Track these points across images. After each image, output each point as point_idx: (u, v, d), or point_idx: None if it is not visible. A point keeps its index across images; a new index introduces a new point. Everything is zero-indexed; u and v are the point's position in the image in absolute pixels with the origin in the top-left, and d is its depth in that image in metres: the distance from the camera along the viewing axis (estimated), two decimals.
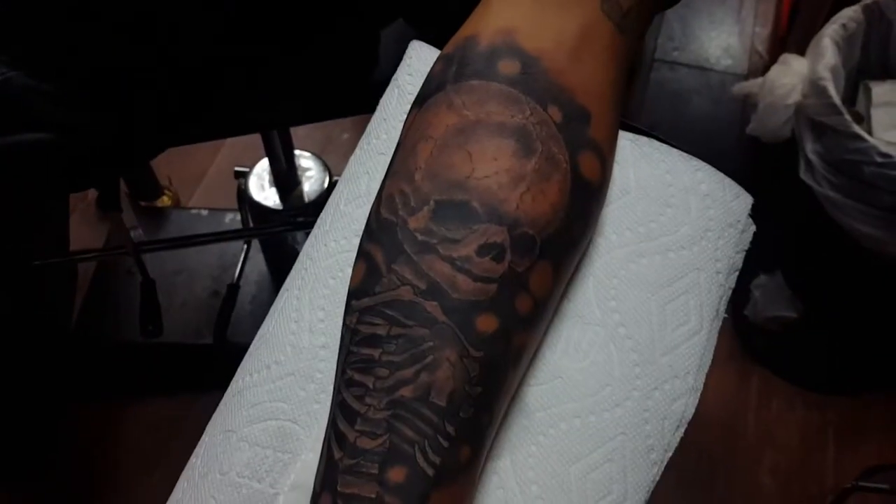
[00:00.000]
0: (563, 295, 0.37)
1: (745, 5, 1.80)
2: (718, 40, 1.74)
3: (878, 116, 1.05)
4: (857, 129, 0.90)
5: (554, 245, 0.32)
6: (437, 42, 0.41)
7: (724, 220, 0.38)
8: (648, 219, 0.38)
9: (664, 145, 0.39)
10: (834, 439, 1.21)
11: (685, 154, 0.39)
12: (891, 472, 0.58)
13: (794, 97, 0.98)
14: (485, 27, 0.34)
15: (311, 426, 0.36)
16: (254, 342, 0.40)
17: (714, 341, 0.37)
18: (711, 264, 0.38)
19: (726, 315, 0.39)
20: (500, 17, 0.34)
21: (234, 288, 1.15)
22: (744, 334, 1.28)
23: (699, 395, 0.36)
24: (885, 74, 1.10)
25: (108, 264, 1.25)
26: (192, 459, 0.39)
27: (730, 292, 0.39)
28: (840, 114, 0.92)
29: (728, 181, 0.39)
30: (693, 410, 0.36)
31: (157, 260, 1.17)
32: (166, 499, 1.21)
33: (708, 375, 0.36)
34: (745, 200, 0.39)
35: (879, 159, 0.88)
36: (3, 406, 1.06)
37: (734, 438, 1.22)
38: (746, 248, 0.39)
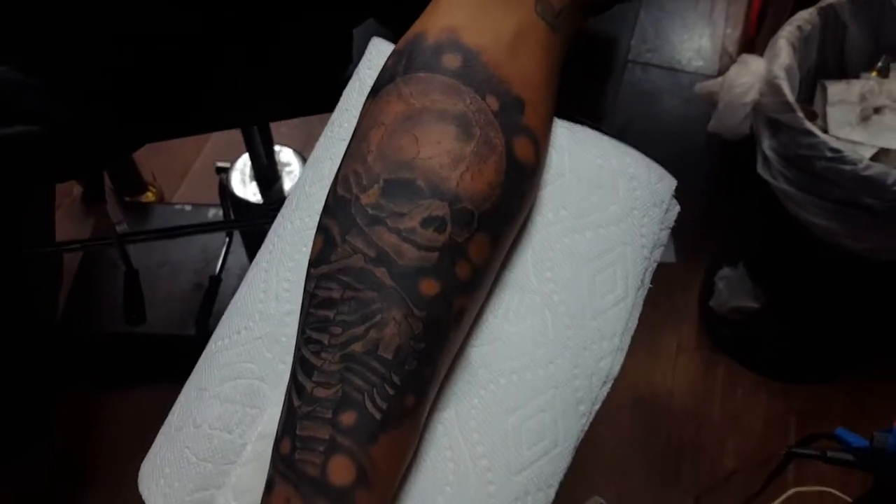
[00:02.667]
0: (505, 266, 0.41)
1: (717, 8, 1.85)
2: (690, 42, 1.79)
3: (833, 114, 1.10)
4: (809, 125, 0.95)
5: (491, 219, 0.36)
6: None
7: (649, 199, 0.43)
8: (581, 198, 0.42)
9: (596, 132, 0.43)
10: (796, 425, 1.26)
11: (614, 140, 0.43)
12: (822, 440, 0.62)
13: (752, 96, 1.03)
14: (432, 25, 0.38)
15: (276, 384, 0.40)
16: (226, 311, 0.44)
17: (639, 308, 0.42)
18: (637, 239, 0.42)
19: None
20: (446, 16, 0.38)
21: (216, 280, 1.19)
22: (710, 325, 1.33)
23: (624, 354, 0.41)
24: (841, 74, 1.15)
25: (92, 258, 1.28)
26: (169, 416, 0.42)
27: (654, 265, 0.43)
28: (793, 111, 0.96)
29: (653, 165, 0.43)
30: (619, 369, 0.40)
31: (142, 254, 1.21)
32: None
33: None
34: (668, 182, 0.43)
35: (830, 154, 0.93)
36: None
37: (701, 424, 1.26)
38: (671, 225, 0.44)
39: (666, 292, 1.37)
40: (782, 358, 1.29)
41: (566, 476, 0.40)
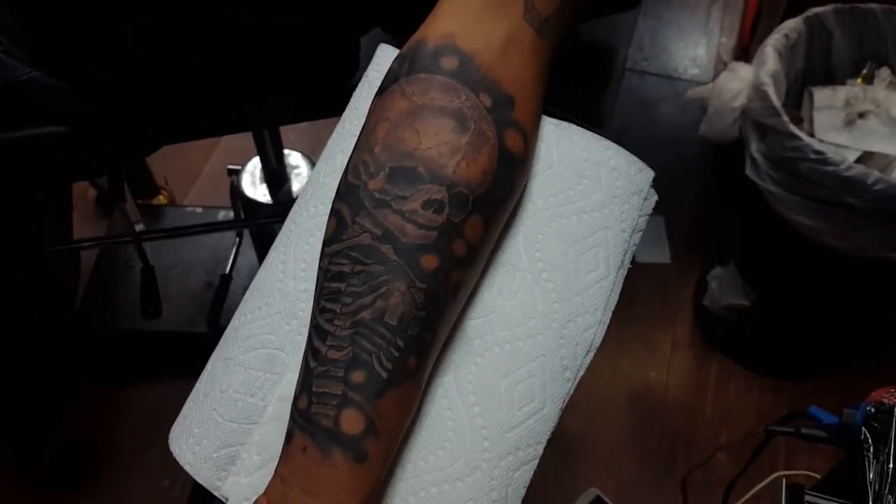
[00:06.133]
0: (499, 247, 0.46)
1: (712, 18, 1.90)
2: (686, 51, 1.84)
3: (819, 119, 1.14)
4: (794, 129, 1.00)
5: (484, 202, 0.41)
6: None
7: (629, 189, 0.47)
8: (567, 187, 0.47)
9: (581, 128, 0.48)
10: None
11: (598, 136, 0.48)
12: (798, 419, 0.67)
13: (740, 101, 1.08)
14: (431, 32, 0.43)
15: (294, 353, 0.44)
16: (248, 291, 0.48)
17: (619, 286, 0.46)
18: (617, 224, 0.47)
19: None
20: (444, 24, 0.43)
21: (226, 278, 1.23)
22: (703, 323, 1.37)
23: (605, 327, 0.45)
24: (827, 80, 1.20)
25: (107, 257, 1.33)
26: (197, 384, 0.47)
27: (634, 248, 0.47)
28: (779, 115, 1.01)
29: (632, 157, 0.48)
30: (600, 340, 0.45)
31: (155, 254, 1.25)
32: (162, 476, 1.31)
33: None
34: (646, 174, 0.48)
35: (813, 156, 0.98)
36: (9, 387, 1.14)
37: (694, 418, 1.31)
38: (649, 212, 0.48)
39: (661, 292, 1.41)
40: (773, 354, 1.33)
41: (558, 447, 0.44)
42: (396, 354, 0.39)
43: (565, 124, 0.48)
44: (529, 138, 0.44)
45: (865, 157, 1.10)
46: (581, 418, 1.29)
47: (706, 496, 1.00)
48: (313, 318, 0.41)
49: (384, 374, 0.38)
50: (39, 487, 1.23)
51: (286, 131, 1.12)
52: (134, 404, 1.30)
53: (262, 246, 1.29)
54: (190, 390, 0.48)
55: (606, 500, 1.19)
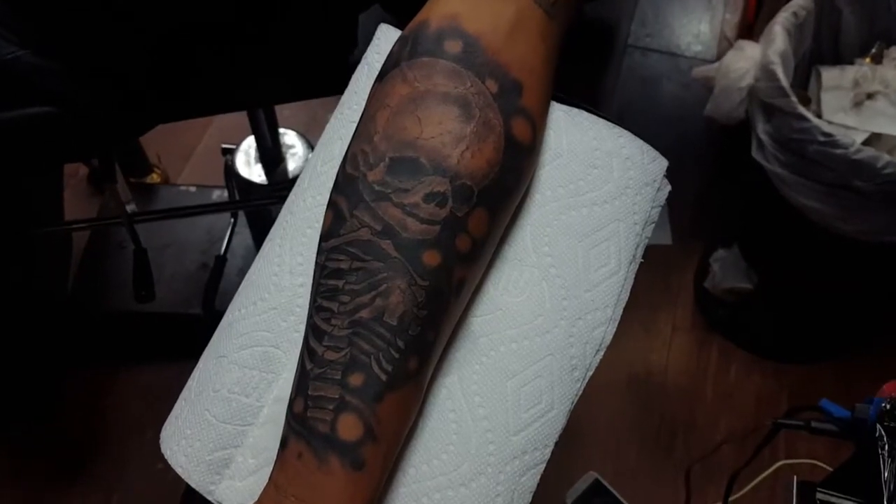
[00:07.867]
0: (505, 241, 0.43)
1: None
2: (689, 27, 1.80)
3: (827, 100, 1.12)
4: (803, 110, 0.97)
5: (489, 194, 0.39)
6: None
7: (642, 179, 0.45)
8: (577, 178, 0.44)
9: (592, 115, 0.45)
10: (787, 404, 1.29)
11: (609, 123, 0.45)
12: (807, 412, 0.65)
13: (747, 80, 1.05)
14: (435, 13, 0.40)
15: (290, 351, 0.42)
16: (242, 284, 0.46)
17: (631, 281, 0.44)
18: (630, 216, 0.44)
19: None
20: (447, 4, 0.40)
21: (221, 260, 1.21)
22: (704, 306, 1.35)
23: (616, 324, 0.43)
24: (835, 60, 1.17)
25: (99, 238, 1.30)
26: (189, 382, 0.45)
27: (646, 241, 0.45)
28: (787, 96, 0.99)
29: (646, 146, 0.45)
30: (611, 338, 0.43)
31: (148, 234, 1.23)
32: (157, 459, 1.29)
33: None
34: (660, 163, 0.46)
35: (822, 138, 0.95)
36: (1, 371, 1.12)
37: (694, 403, 1.29)
38: (662, 203, 0.46)
39: (662, 274, 1.40)
40: (774, 337, 1.31)
41: (561, 437, 0.43)
42: (396, 356, 0.37)
43: (575, 111, 0.46)
44: (537, 126, 0.41)
45: (873, 139, 1.08)
46: (580, 401, 1.27)
47: (708, 486, 0.99)
48: (310, 316, 0.39)
49: (383, 377, 0.36)
50: (33, 471, 1.22)
51: (281, 109, 1.09)
52: (128, 387, 1.29)
53: (258, 227, 1.27)
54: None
55: (605, 483, 1.18)
